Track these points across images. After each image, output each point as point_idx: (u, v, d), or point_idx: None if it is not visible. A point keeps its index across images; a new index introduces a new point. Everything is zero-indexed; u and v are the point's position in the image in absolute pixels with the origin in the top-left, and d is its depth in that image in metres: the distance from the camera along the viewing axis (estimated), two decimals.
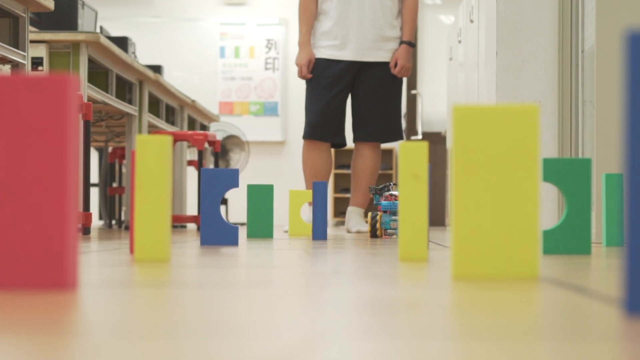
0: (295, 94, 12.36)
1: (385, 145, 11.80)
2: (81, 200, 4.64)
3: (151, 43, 12.31)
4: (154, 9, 12.51)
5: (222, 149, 10.11)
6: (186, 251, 2.81)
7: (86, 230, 4.51)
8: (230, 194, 12.25)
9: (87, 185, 4.61)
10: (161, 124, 6.93)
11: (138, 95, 6.28)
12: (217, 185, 3.26)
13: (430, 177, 4.67)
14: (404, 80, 7.35)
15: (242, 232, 5.45)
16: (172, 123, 7.55)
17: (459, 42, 7.32)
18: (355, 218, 5.90)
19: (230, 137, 10.20)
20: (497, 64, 5.12)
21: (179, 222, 6.70)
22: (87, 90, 5.01)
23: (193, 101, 7.72)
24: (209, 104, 12.35)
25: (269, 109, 12.46)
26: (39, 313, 1.08)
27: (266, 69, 12.48)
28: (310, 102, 5.93)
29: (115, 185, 7.88)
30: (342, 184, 12.22)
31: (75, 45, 4.95)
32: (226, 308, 1.15)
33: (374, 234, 4.60)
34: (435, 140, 11.34)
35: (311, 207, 5.51)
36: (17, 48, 4.14)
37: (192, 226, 8.37)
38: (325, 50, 5.88)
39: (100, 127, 7.09)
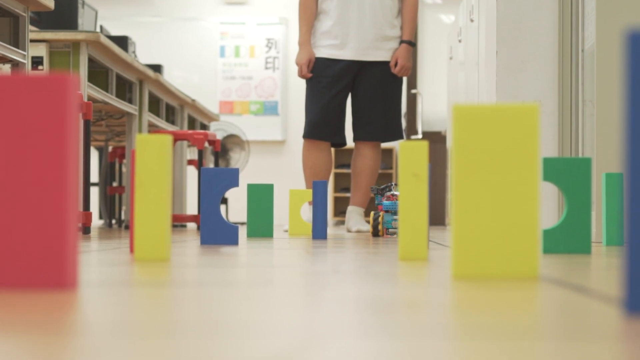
0: (295, 94, 12.36)
1: (385, 145, 11.80)
2: (81, 200, 4.64)
3: (151, 42, 12.31)
4: (154, 9, 12.51)
5: (222, 149, 10.11)
6: (186, 251, 2.81)
7: (86, 230, 4.51)
8: (230, 194, 12.25)
9: (87, 184, 4.61)
10: (161, 123, 6.93)
11: (138, 94, 6.28)
12: (217, 185, 3.26)
13: (430, 177, 4.66)
14: (404, 79, 7.35)
15: (242, 232, 5.45)
16: (172, 122, 7.55)
17: (459, 41, 7.32)
18: (356, 217, 5.90)
19: (231, 137, 10.20)
20: (497, 64, 5.12)
21: (179, 221, 6.70)
22: (87, 90, 5.01)
23: (193, 100, 7.72)
24: (209, 104, 12.35)
25: (269, 109, 12.46)
26: (39, 313, 1.08)
27: (266, 68, 12.48)
28: (310, 101, 5.93)
29: (115, 184, 7.88)
30: (342, 184, 12.22)
31: (76, 44, 4.95)
32: (226, 307, 1.15)
33: (375, 233, 4.70)
34: (436, 140, 11.34)
35: (311, 207, 5.51)
36: (17, 47, 4.15)
37: (192, 225, 8.37)
38: (326, 49, 5.88)
39: (101, 126, 7.09)
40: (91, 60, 5.21)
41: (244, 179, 12.30)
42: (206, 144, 7.61)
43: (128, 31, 12.05)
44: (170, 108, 7.53)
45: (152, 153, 2.22)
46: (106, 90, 5.56)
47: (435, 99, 11.80)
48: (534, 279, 1.66)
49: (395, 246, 3.31)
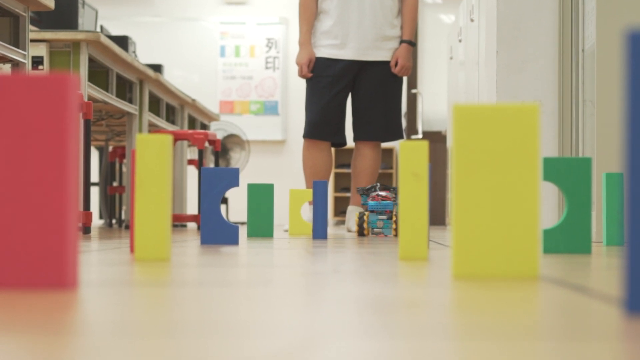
0: (295, 93, 12.36)
1: (385, 145, 11.80)
2: (81, 200, 4.64)
3: (151, 42, 12.31)
4: (154, 8, 12.51)
5: (223, 148, 10.11)
6: (186, 250, 2.81)
7: (86, 230, 4.51)
8: (230, 193, 12.25)
9: (87, 184, 4.61)
10: (161, 123, 6.93)
11: (138, 94, 6.28)
12: (217, 185, 3.26)
13: (430, 176, 4.67)
14: (404, 79, 7.35)
15: (243, 231, 5.45)
16: (173, 122, 7.55)
17: (460, 41, 7.32)
18: (355, 217, 5.91)
19: (231, 136, 10.20)
20: (497, 63, 5.12)
21: (179, 221, 6.70)
22: (87, 90, 5.01)
23: (193, 100, 7.72)
24: (210, 103, 12.35)
25: (270, 108, 12.46)
26: (39, 312, 1.08)
27: (266, 68, 12.48)
28: (310, 101, 5.93)
29: (115, 184, 7.88)
30: (343, 183, 12.22)
31: (76, 44, 4.95)
32: (226, 307, 1.15)
33: (361, 232, 4.80)
34: (436, 140, 11.34)
35: (311, 206, 5.51)
36: (18, 47, 4.14)
37: (192, 225, 8.37)
38: (326, 49, 5.88)
39: (101, 126, 7.09)
40: (91, 60, 5.21)
41: (244, 179, 12.30)
42: (206, 144, 7.61)
43: (128, 31, 12.06)
44: (171, 108, 7.53)
45: (152, 153, 2.22)
46: (106, 90, 5.56)
47: (435, 98, 11.80)
48: (534, 279, 1.66)
49: (395, 246, 3.31)
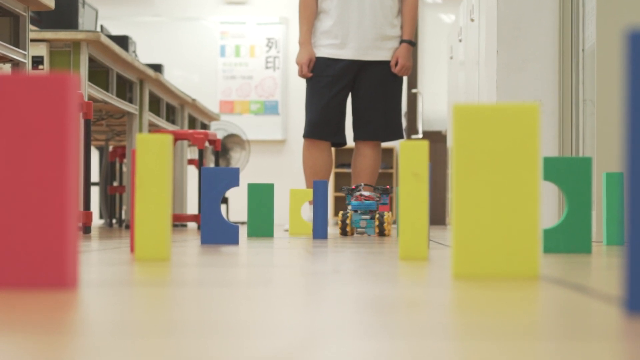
0: (295, 93, 12.36)
1: (385, 144, 11.80)
2: (81, 199, 4.64)
3: (152, 42, 12.31)
4: (154, 8, 12.51)
5: (223, 148, 10.11)
6: (186, 250, 2.81)
7: (87, 229, 4.51)
8: (230, 193, 12.25)
9: (87, 184, 4.61)
10: (162, 122, 6.93)
11: (138, 94, 6.28)
12: (217, 184, 3.26)
13: (430, 176, 4.67)
14: (405, 79, 7.35)
15: (243, 231, 5.45)
16: (173, 122, 7.55)
17: (460, 41, 7.32)
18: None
19: (231, 136, 10.20)
20: (497, 63, 5.12)
21: (179, 221, 6.70)
22: (87, 89, 5.01)
23: (193, 100, 7.72)
24: (210, 103, 12.35)
25: (270, 108, 12.46)
26: (39, 312, 1.08)
27: (267, 67, 12.48)
28: (310, 101, 5.93)
29: (115, 184, 7.88)
30: (343, 183, 12.22)
31: (76, 44, 4.95)
32: (226, 307, 1.15)
33: (344, 232, 4.85)
34: (436, 139, 11.34)
35: (312, 206, 5.51)
36: (18, 47, 4.14)
37: (192, 225, 8.37)
38: (326, 49, 5.88)
39: (101, 126, 7.09)
40: (91, 60, 5.21)
41: (245, 179, 12.30)
42: (206, 144, 7.61)
43: (128, 31, 12.06)
44: (171, 108, 7.53)
45: (152, 153, 2.22)
46: (106, 89, 5.56)
47: (435, 98, 11.80)
48: (534, 279, 1.66)
49: (395, 246, 3.31)
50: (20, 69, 4.15)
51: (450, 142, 7.87)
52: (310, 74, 5.90)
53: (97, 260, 2.24)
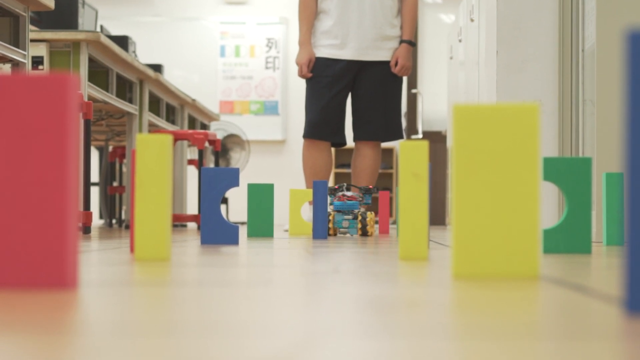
0: (295, 93, 12.36)
1: (385, 145, 11.80)
2: (81, 200, 4.64)
3: (151, 42, 12.31)
4: (154, 8, 12.51)
5: (223, 148, 10.11)
6: (186, 250, 2.81)
7: (86, 230, 4.51)
8: (230, 193, 12.25)
9: (87, 184, 4.61)
10: (161, 123, 6.93)
11: (138, 94, 6.28)
12: (217, 185, 3.26)
13: (430, 176, 4.67)
14: (404, 79, 7.35)
15: (243, 231, 5.45)
16: (173, 122, 7.55)
17: (460, 41, 7.32)
18: None
19: (231, 136, 10.20)
20: (497, 63, 5.12)
21: (179, 221, 6.70)
22: (87, 89, 5.01)
23: (193, 100, 7.72)
24: (210, 103, 12.35)
25: (270, 108, 12.46)
26: (39, 312, 1.08)
27: (266, 68, 12.48)
28: (310, 101, 5.93)
29: (115, 184, 7.88)
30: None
31: (76, 44, 4.95)
32: (226, 307, 1.15)
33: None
34: (436, 140, 11.34)
35: (311, 206, 5.51)
36: (18, 47, 4.14)
37: (192, 225, 8.37)
38: (326, 49, 5.88)
39: (101, 126, 7.09)
40: (91, 60, 5.21)
41: (244, 179, 12.30)
42: (206, 144, 7.61)
43: (128, 31, 12.05)
44: (171, 108, 7.53)
45: (152, 153, 2.22)
46: (106, 90, 5.56)
47: (435, 98, 11.80)
48: (534, 279, 1.66)
49: (395, 246, 3.31)
50: (20, 69, 4.15)
51: (450, 142, 7.87)
52: (310, 74, 5.90)
53: (97, 260, 2.24)
